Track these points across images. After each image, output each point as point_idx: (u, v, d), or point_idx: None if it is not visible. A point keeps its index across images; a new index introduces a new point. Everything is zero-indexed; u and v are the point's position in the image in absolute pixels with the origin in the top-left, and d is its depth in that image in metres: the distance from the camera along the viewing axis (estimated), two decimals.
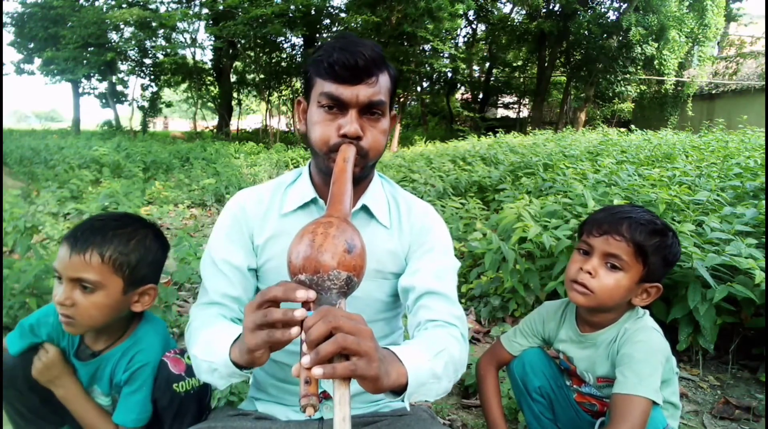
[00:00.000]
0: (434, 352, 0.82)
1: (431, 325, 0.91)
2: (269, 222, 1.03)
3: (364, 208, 1.03)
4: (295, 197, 1.04)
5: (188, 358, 1.07)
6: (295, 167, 7.64)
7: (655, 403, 1.03)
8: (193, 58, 19.40)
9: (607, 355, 1.15)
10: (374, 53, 0.90)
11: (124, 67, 19.09)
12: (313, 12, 16.63)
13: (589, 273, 1.10)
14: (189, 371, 1.07)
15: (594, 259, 1.10)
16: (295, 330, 0.66)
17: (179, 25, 17.08)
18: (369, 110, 0.92)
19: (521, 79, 22.89)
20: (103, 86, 19.31)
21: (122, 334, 1.13)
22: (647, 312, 1.18)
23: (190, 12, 16.79)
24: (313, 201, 1.02)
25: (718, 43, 18.25)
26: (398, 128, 16.66)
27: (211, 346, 0.86)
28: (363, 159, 0.93)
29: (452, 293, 0.98)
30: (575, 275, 1.12)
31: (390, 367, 0.71)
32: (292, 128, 22.36)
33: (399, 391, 0.75)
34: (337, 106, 0.91)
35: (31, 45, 17.60)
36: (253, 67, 19.31)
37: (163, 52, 18.38)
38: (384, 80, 0.93)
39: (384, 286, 1.03)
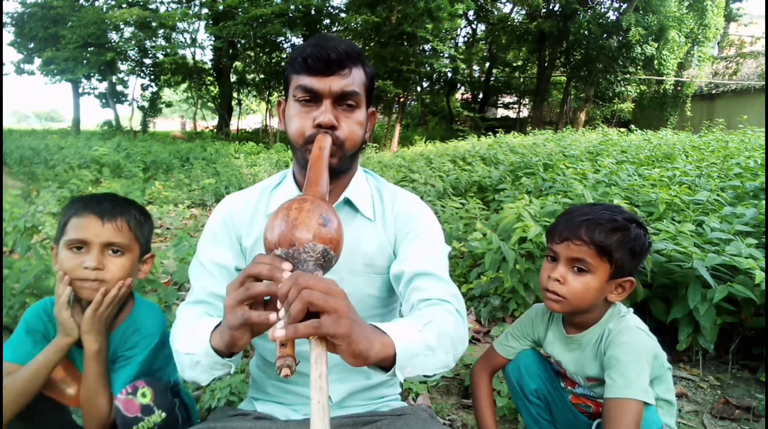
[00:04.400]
0: (423, 322, 0.81)
1: (424, 305, 0.90)
2: (256, 224, 1.04)
3: (348, 202, 1.03)
4: (280, 198, 1.04)
5: (141, 395, 1.04)
6: None
7: (647, 404, 1.02)
8: (193, 58, 19.41)
9: (595, 356, 1.15)
10: (348, 48, 0.93)
11: (124, 67, 19.14)
12: (313, 12, 16.63)
13: (558, 280, 1.11)
14: (144, 410, 1.03)
15: (560, 266, 1.11)
16: (272, 315, 0.66)
17: (179, 25, 17.09)
18: (343, 101, 0.94)
19: (521, 79, 22.90)
20: (103, 86, 19.37)
21: (117, 314, 1.15)
22: (630, 310, 1.18)
23: (190, 12, 16.80)
24: None
25: (718, 43, 18.26)
26: (398, 129, 16.68)
27: (192, 338, 0.86)
28: (339, 149, 0.94)
29: (443, 273, 0.97)
30: (546, 283, 1.14)
31: (371, 336, 0.70)
32: None
33: (388, 366, 0.74)
34: (311, 98, 0.94)
35: (31, 45, 17.60)
36: (253, 67, 19.30)
37: (163, 52, 18.39)
38: (358, 74, 0.96)
39: (375, 281, 1.03)
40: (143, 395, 1.04)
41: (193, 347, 0.84)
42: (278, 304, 0.66)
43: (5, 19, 17.04)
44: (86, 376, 1.08)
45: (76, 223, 1.07)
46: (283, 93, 1.04)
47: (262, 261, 0.69)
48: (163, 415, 1.04)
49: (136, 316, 1.16)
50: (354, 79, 0.94)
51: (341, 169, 0.99)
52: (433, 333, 0.80)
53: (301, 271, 0.67)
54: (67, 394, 1.12)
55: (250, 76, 21.25)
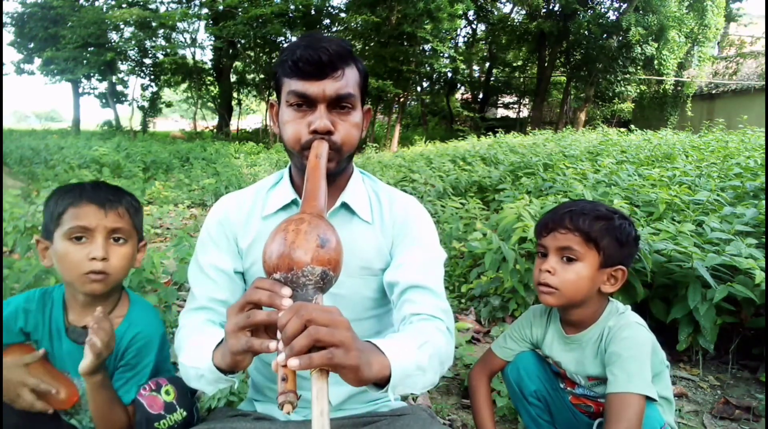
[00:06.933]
0: (418, 343, 0.81)
1: (416, 319, 0.90)
2: (252, 225, 1.03)
3: (345, 206, 1.02)
4: (276, 199, 1.04)
5: (165, 393, 1.03)
6: None
7: (650, 399, 1.02)
8: (193, 58, 19.41)
9: (596, 354, 1.15)
10: (339, 48, 0.90)
11: (124, 67, 19.13)
12: (313, 12, 16.64)
13: (549, 271, 1.12)
14: (168, 407, 1.03)
15: (550, 258, 1.13)
16: (273, 344, 0.66)
17: (179, 25, 17.10)
18: (338, 104, 0.92)
19: (521, 79, 22.89)
20: (103, 86, 19.37)
21: (111, 310, 1.11)
22: (629, 307, 1.18)
23: (190, 12, 16.80)
24: (294, 202, 1.02)
25: (718, 43, 18.24)
26: (398, 129, 16.67)
27: (197, 353, 0.86)
28: (337, 153, 0.93)
29: (438, 286, 0.97)
30: (538, 277, 1.15)
31: (372, 358, 0.70)
32: None
33: (382, 383, 0.74)
34: (305, 103, 0.91)
35: (31, 45, 17.61)
36: (253, 67, 19.31)
37: (163, 52, 18.40)
38: (351, 74, 0.93)
39: (371, 282, 1.03)
40: (167, 393, 1.03)
41: (198, 361, 0.84)
42: (278, 333, 0.65)
43: (5, 19, 17.05)
44: (96, 403, 1.03)
45: (75, 212, 1.02)
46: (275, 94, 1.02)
47: (262, 286, 0.69)
48: (184, 413, 1.03)
49: (133, 318, 1.12)
50: (348, 81, 0.91)
51: (338, 172, 0.98)
52: (426, 354, 0.81)
53: (302, 300, 0.67)
54: (59, 399, 1.06)
55: (250, 76, 21.24)
